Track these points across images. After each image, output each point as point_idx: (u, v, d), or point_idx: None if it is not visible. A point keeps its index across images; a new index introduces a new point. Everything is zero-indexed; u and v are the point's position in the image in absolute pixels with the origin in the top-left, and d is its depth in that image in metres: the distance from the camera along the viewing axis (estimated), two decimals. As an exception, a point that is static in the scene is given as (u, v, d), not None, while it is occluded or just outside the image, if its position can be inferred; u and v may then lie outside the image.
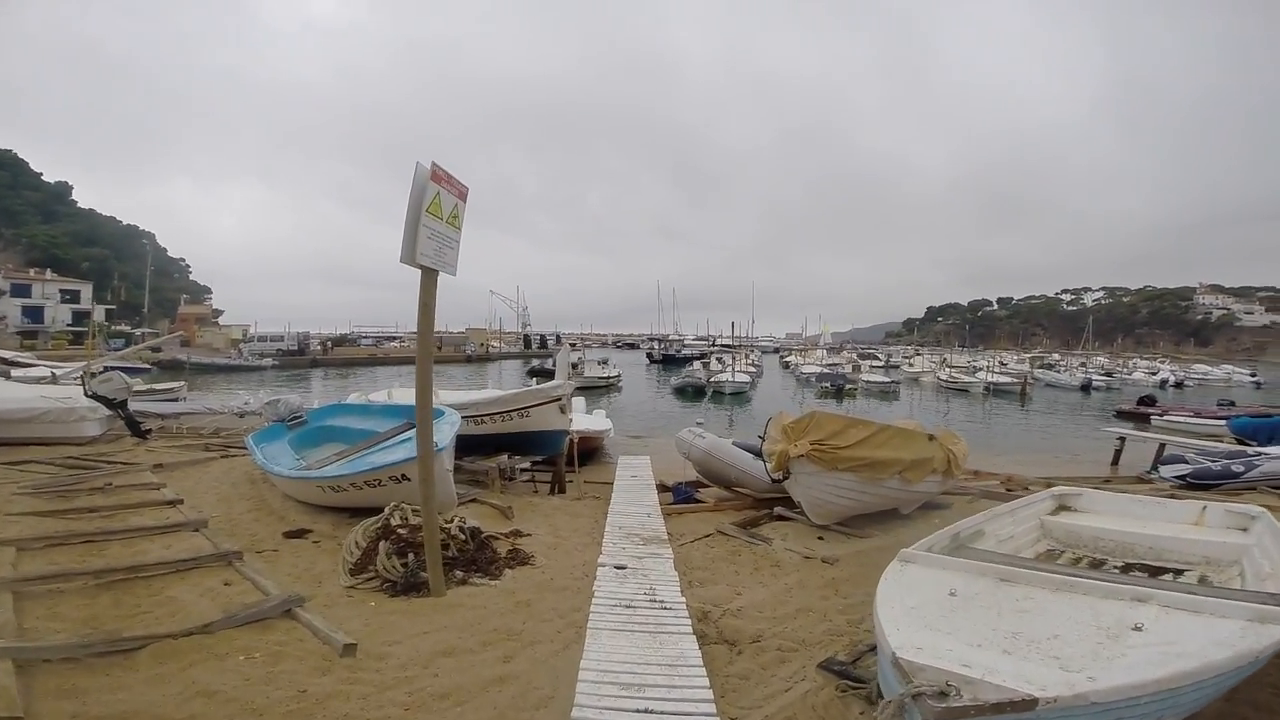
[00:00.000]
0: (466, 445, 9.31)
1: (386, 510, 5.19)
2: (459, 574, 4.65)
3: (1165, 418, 23.23)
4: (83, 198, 75.00)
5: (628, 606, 4.06)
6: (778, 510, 7.12)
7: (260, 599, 3.94)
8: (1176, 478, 9.82)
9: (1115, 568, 4.42)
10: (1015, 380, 39.13)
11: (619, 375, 39.63)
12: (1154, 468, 11.37)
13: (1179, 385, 47.93)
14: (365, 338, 72.84)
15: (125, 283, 60.60)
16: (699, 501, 8.39)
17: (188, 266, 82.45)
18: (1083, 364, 59.00)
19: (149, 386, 21.42)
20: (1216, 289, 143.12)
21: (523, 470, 9.85)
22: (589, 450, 13.14)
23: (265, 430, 8.53)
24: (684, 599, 4.23)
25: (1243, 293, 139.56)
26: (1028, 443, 20.97)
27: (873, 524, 6.78)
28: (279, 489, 6.78)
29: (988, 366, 46.33)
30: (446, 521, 5.07)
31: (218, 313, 69.87)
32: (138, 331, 51.20)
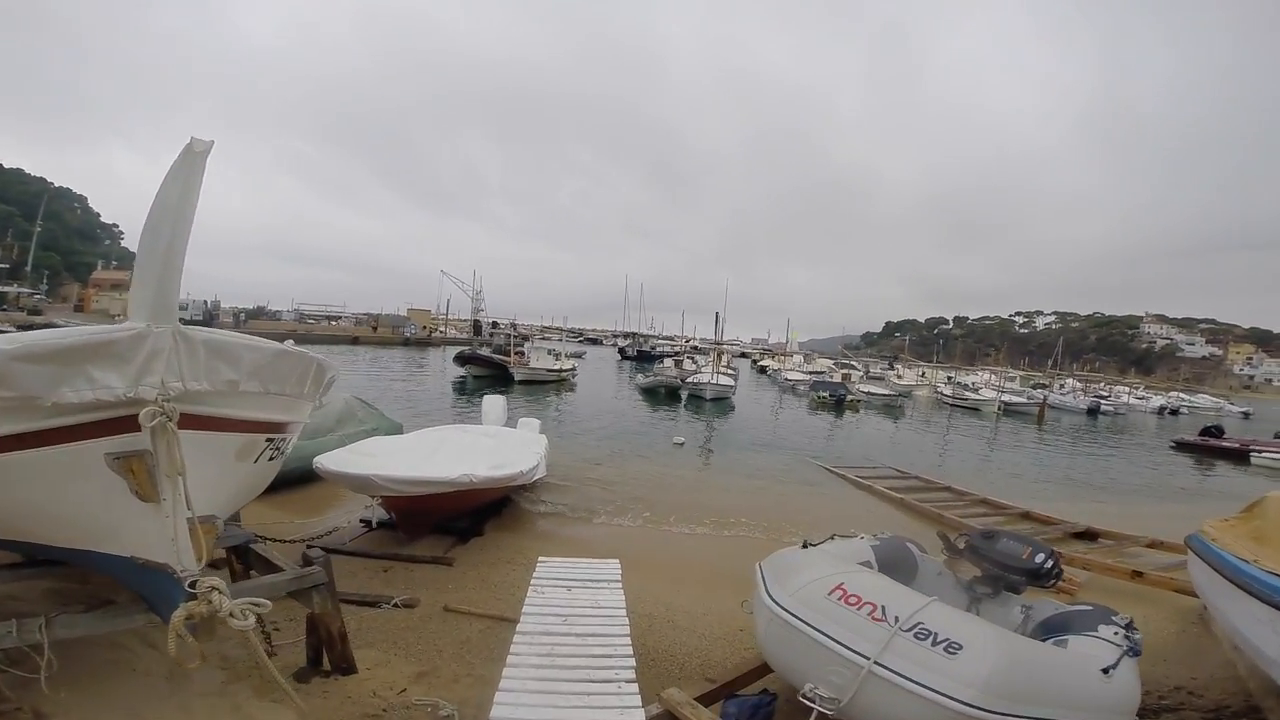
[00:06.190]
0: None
1: None
2: None
3: (1265, 455, 18.63)
4: (11, 159, 66.82)
5: None
6: None
7: None
8: None
9: None
10: (1031, 401, 35.16)
11: (574, 369, 33.00)
12: None
13: (1175, 413, 45.07)
14: (294, 314, 65.45)
15: (19, 242, 53.27)
16: None
17: (121, 232, 77.08)
18: (1061, 385, 56.32)
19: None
20: (1161, 319, 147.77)
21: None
22: (490, 504, 6.71)
23: None
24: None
25: (1185, 324, 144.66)
26: (1108, 476, 15.72)
27: None
28: None
29: (976, 384, 42.52)
30: None
31: (145, 280, 64.43)
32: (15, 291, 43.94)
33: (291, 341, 3.47)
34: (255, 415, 2.88)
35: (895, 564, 3.82)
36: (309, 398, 3.46)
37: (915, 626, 2.46)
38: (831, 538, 3.66)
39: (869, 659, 2.37)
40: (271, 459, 3.34)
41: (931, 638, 2.40)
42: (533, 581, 3.67)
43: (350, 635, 3.79)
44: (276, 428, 3.19)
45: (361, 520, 5.95)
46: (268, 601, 2.26)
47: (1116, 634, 3.07)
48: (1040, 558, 3.52)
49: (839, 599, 2.68)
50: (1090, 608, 3.52)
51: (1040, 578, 3.52)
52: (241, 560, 3.63)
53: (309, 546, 5.28)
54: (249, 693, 3.23)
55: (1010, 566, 3.54)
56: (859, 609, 2.60)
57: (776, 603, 2.81)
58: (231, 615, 2.13)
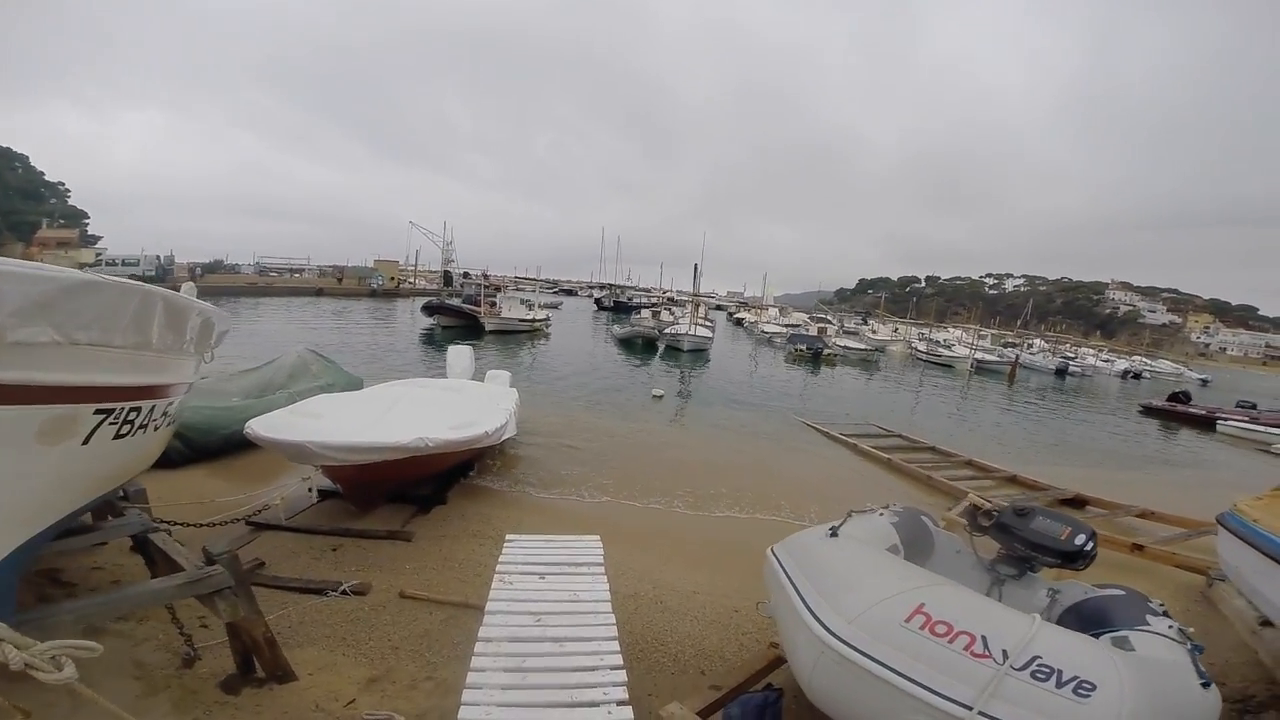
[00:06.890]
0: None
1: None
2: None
3: (1231, 423, 19.00)
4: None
5: None
6: None
7: None
8: None
9: None
10: (1002, 360, 35.77)
11: (547, 319, 32.22)
12: None
13: (1137, 377, 46.38)
14: (254, 267, 62.66)
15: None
16: None
17: (67, 190, 71.27)
18: (1030, 345, 57.57)
19: None
20: (1126, 286, 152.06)
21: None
22: (454, 468, 6.16)
23: None
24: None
25: (1149, 292, 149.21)
26: (1080, 438, 15.86)
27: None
28: None
29: (949, 341, 43.23)
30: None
31: (94, 238, 60.64)
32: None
33: (193, 286, 2.73)
34: (60, 378, 2.04)
35: (915, 543, 3.42)
36: (172, 350, 2.59)
37: (1032, 663, 1.95)
38: (849, 515, 3.21)
39: (970, 708, 1.87)
40: (124, 435, 2.48)
41: (1055, 677, 1.89)
42: (498, 568, 3.14)
43: (290, 630, 3.26)
44: (117, 394, 2.34)
45: (310, 490, 5.34)
46: (96, 646, 1.61)
47: (1170, 628, 2.69)
48: (1081, 539, 3.12)
49: (922, 628, 2.10)
50: (1123, 592, 3.14)
51: (1077, 560, 3.15)
52: (143, 553, 3.01)
53: (249, 522, 4.68)
54: (168, 707, 2.71)
55: (1046, 548, 3.15)
56: (950, 641, 2.04)
57: (832, 633, 2.22)
58: (30, 668, 1.46)
